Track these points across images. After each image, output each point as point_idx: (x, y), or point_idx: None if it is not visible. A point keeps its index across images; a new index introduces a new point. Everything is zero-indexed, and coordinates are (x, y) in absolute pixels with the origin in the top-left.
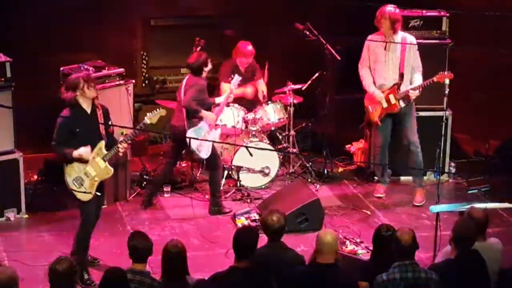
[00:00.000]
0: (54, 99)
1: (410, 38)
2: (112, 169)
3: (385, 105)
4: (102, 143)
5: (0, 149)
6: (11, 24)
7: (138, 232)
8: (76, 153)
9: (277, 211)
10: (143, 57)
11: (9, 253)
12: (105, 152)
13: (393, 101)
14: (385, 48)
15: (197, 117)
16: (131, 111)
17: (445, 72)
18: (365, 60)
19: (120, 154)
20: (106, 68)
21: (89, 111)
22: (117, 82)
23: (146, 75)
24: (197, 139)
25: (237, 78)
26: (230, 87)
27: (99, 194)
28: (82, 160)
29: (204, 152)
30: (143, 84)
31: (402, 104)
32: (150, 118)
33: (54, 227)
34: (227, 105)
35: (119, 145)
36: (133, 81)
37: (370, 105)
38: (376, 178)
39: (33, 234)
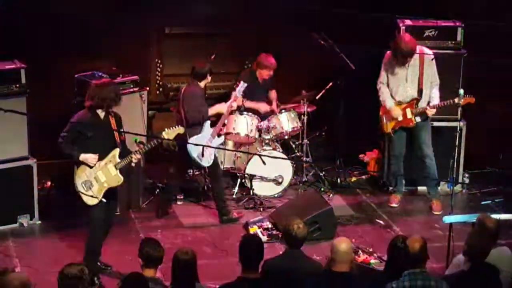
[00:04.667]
0: (68, 106)
1: (429, 53)
2: (122, 177)
3: (400, 118)
4: (116, 151)
5: (14, 155)
6: (26, 31)
7: (151, 239)
8: (82, 156)
9: (296, 218)
10: (158, 64)
11: (21, 259)
12: (118, 160)
13: (409, 115)
14: (404, 65)
15: (203, 122)
16: (145, 119)
17: (467, 95)
18: (383, 77)
19: (133, 164)
20: (121, 76)
21: (102, 116)
22: (131, 90)
23: (160, 83)
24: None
25: (242, 85)
26: (235, 93)
27: (104, 200)
28: (89, 165)
29: (206, 160)
30: (157, 92)
31: (417, 119)
32: (168, 133)
33: (67, 234)
34: (241, 113)
35: (132, 155)
36: (147, 88)
37: (385, 115)
38: (391, 188)
39: (46, 240)
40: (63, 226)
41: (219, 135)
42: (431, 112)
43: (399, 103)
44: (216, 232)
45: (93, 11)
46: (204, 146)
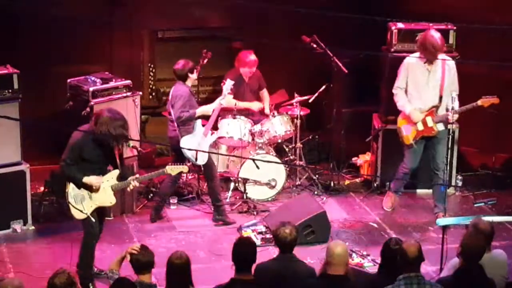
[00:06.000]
0: (61, 111)
1: (450, 61)
2: (115, 200)
3: (421, 127)
4: (115, 172)
5: (7, 160)
6: (19, 35)
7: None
8: (86, 180)
9: (289, 223)
10: (150, 69)
11: (15, 265)
12: (115, 182)
13: (430, 124)
14: (432, 62)
15: (192, 123)
16: (138, 123)
17: (490, 96)
18: (402, 82)
19: (129, 190)
20: (113, 80)
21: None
22: (124, 94)
23: (153, 87)
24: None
25: (229, 83)
26: (223, 92)
27: (93, 220)
28: (90, 188)
29: (201, 159)
30: (150, 96)
31: (440, 127)
32: (171, 169)
33: (60, 239)
34: (234, 117)
35: (131, 183)
36: (140, 93)
37: (403, 126)
38: (390, 188)
39: (39, 245)
40: (56, 232)
41: (212, 133)
42: (454, 117)
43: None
44: (210, 236)
45: (86, 16)
46: (197, 147)
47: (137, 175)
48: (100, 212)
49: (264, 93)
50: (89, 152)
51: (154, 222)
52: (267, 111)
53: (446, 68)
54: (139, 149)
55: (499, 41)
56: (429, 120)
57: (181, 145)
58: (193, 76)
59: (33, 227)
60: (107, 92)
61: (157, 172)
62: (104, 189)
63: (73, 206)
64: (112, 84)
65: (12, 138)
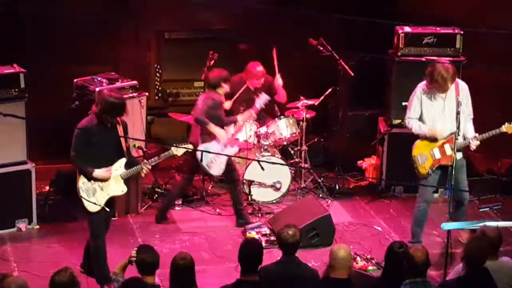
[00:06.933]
0: (67, 111)
1: (463, 85)
2: (126, 188)
3: (438, 156)
4: (123, 161)
5: (13, 159)
6: (26, 35)
7: (144, 246)
8: (96, 173)
9: (292, 226)
10: (157, 69)
11: (19, 264)
12: (124, 170)
13: (448, 152)
14: (446, 91)
15: (207, 132)
16: (144, 124)
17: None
18: (415, 112)
19: (143, 175)
20: (120, 81)
21: (108, 123)
22: (130, 95)
23: (159, 88)
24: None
25: (264, 97)
26: (255, 106)
27: (108, 210)
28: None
29: (215, 170)
30: (156, 97)
31: (458, 156)
32: (177, 150)
33: (64, 238)
34: None
35: (143, 167)
36: (146, 93)
37: (418, 155)
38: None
39: (43, 245)
40: (61, 231)
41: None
42: (475, 144)
43: (434, 139)
44: (214, 238)
45: (93, 16)
46: (215, 157)
47: (150, 160)
48: (106, 212)
49: (278, 80)
50: (96, 135)
51: (159, 223)
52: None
53: (461, 93)
54: (144, 149)
55: (505, 45)
56: (448, 148)
57: (198, 154)
58: (226, 87)
59: (37, 226)
60: None
61: (165, 154)
62: (114, 178)
63: (86, 199)
64: (118, 84)
65: (18, 137)
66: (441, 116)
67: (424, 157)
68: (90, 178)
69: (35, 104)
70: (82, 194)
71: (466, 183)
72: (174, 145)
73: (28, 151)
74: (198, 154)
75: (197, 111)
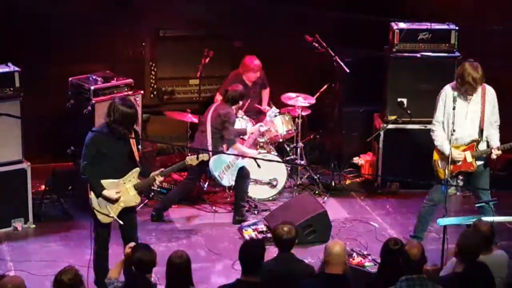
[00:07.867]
0: (62, 110)
1: (490, 90)
2: (140, 198)
3: (459, 163)
4: (136, 171)
5: (8, 159)
6: (21, 34)
7: (140, 245)
8: (105, 193)
9: (288, 222)
10: (152, 67)
11: (16, 263)
12: (137, 180)
13: (469, 159)
14: (472, 94)
15: (223, 144)
16: (139, 122)
17: None
18: (440, 115)
19: (154, 187)
20: (115, 79)
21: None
22: (126, 93)
23: (155, 86)
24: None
25: (274, 111)
26: (266, 120)
27: (121, 222)
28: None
29: (227, 180)
30: (151, 95)
31: (478, 163)
32: (191, 159)
33: (61, 237)
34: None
35: (156, 178)
36: (142, 91)
37: (439, 159)
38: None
39: (40, 244)
40: (57, 230)
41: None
42: (497, 153)
43: (455, 144)
44: (211, 236)
45: (88, 14)
46: (225, 167)
47: (162, 169)
48: (129, 219)
49: (266, 93)
50: (107, 146)
51: (156, 221)
52: (264, 106)
53: (487, 98)
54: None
55: (500, 41)
56: (468, 156)
57: (210, 165)
58: (241, 104)
59: (34, 226)
60: (109, 91)
61: (178, 164)
62: (127, 189)
63: (98, 211)
64: (113, 82)
65: (13, 136)
66: (463, 121)
67: (444, 162)
68: (98, 196)
69: (30, 103)
70: (94, 205)
71: (487, 186)
72: (189, 154)
73: (24, 150)
74: (211, 166)
75: (231, 133)
